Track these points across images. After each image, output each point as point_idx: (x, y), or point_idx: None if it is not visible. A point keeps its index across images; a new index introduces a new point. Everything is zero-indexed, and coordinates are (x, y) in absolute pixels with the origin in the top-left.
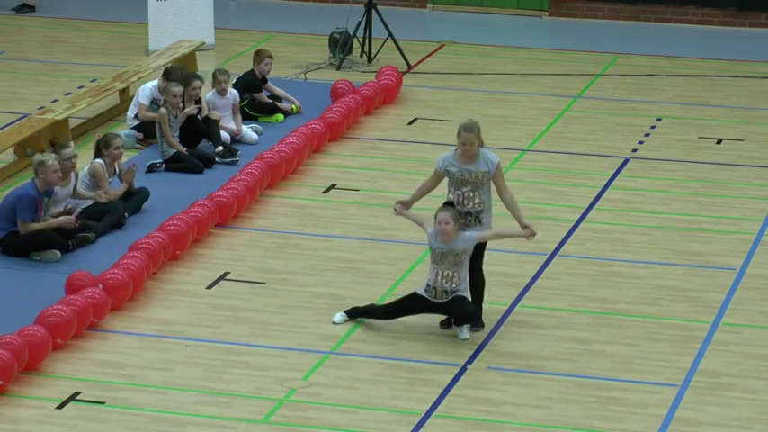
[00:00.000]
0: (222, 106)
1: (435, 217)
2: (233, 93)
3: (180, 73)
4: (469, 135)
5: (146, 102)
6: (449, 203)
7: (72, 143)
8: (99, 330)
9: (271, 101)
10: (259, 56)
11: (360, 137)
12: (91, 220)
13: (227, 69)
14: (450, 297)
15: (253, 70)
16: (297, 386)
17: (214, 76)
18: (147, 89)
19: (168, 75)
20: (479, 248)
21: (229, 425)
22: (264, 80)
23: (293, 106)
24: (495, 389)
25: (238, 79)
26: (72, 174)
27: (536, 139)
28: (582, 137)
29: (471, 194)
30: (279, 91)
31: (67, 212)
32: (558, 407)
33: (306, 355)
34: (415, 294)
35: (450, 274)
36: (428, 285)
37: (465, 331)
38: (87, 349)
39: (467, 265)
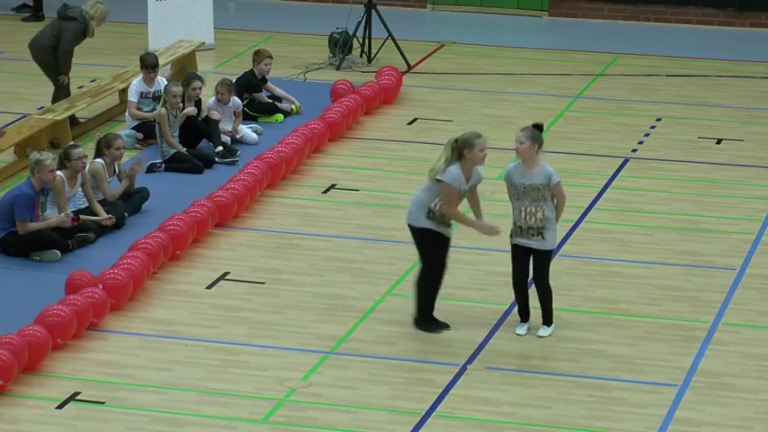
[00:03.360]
0: (223, 113)
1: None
2: (235, 101)
3: (155, 58)
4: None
5: (134, 98)
6: (536, 126)
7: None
8: (99, 330)
9: (270, 101)
10: (259, 56)
11: (360, 137)
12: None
13: (229, 81)
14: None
15: (252, 70)
16: (297, 386)
17: (216, 87)
18: (133, 86)
19: (143, 61)
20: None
21: (229, 425)
22: (264, 80)
23: (293, 106)
24: (495, 389)
25: (238, 79)
26: (79, 174)
27: None
28: (582, 137)
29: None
30: (279, 91)
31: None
32: (558, 407)
33: (306, 355)
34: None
35: (534, 210)
36: (514, 224)
37: (542, 329)
38: (87, 349)
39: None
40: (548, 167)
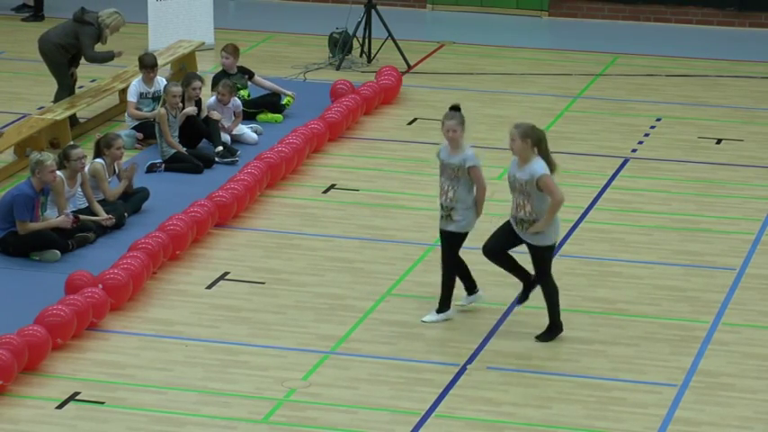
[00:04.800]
0: (223, 113)
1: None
2: (235, 101)
3: (154, 58)
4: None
5: (134, 99)
6: (455, 107)
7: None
8: (99, 330)
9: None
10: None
11: (360, 137)
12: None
13: (231, 82)
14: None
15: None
16: (297, 386)
17: (217, 87)
18: (132, 86)
19: (141, 61)
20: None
21: (229, 425)
22: (251, 75)
23: (287, 99)
24: (495, 389)
25: (213, 78)
26: (79, 174)
27: None
28: (582, 137)
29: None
30: (268, 84)
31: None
32: (558, 407)
33: (305, 355)
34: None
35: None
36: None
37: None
38: (87, 349)
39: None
40: (468, 151)
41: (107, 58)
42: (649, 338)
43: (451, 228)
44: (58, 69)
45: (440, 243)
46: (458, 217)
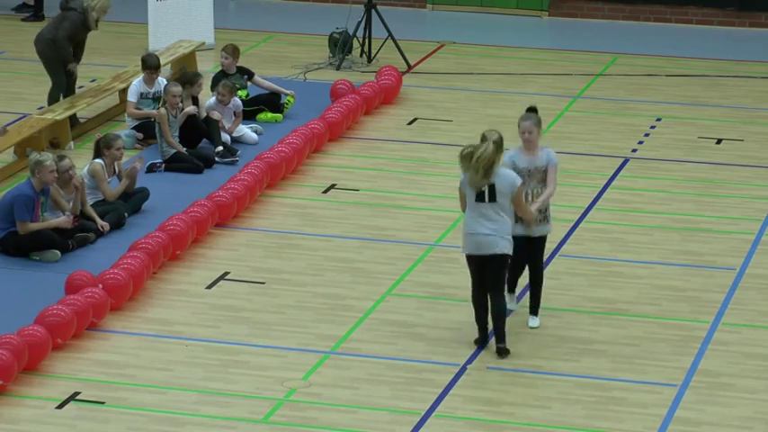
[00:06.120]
0: (224, 113)
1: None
2: (235, 101)
3: (157, 60)
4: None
5: (134, 99)
6: (532, 109)
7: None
8: (99, 330)
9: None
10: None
11: (360, 137)
12: (90, 221)
13: (231, 83)
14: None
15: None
16: (297, 386)
17: (217, 88)
18: (133, 86)
19: (144, 62)
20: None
21: (229, 425)
22: (250, 74)
23: (287, 98)
24: (495, 389)
25: (212, 78)
26: (73, 181)
27: None
28: (582, 137)
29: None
30: (267, 84)
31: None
32: (558, 407)
33: (306, 355)
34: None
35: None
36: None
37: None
38: (87, 349)
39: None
40: (546, 150)
41: (68, 58)
42: (649, 338)
43: (548, 229)
44: (52, 67)
45: (527, 250)
46: (550, 216)
